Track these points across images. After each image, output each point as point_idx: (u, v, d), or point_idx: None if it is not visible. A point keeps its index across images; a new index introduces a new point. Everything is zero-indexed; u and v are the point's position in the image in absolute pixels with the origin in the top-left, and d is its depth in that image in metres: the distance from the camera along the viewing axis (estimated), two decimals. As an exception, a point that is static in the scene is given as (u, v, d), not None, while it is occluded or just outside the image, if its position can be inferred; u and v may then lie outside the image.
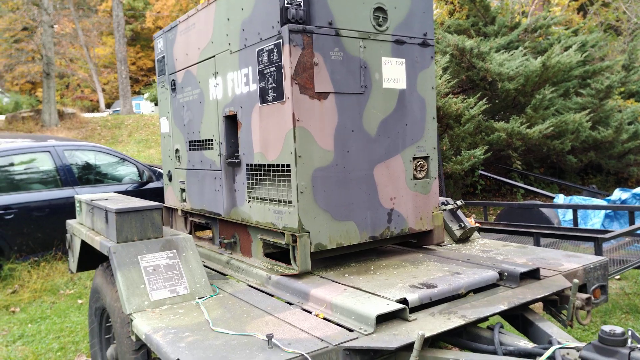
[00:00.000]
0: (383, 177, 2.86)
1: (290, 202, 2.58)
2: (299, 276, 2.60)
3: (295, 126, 2.51)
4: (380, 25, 2.81)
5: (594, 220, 7.23)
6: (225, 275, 3.06)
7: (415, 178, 3.01)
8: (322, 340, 1.92)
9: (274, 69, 2.61)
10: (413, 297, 2.21)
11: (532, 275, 2.59)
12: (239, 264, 3.05)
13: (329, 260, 2.91)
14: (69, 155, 6.36)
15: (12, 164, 5.99)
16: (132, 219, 2.69)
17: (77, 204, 3.48)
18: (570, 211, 7.07)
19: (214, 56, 3.20)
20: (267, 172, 2.78)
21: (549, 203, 6.87)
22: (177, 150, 3.89)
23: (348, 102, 2.71)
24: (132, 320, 2.32)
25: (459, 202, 3.60)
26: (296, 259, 2.63)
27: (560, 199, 7.55)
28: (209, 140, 3.37)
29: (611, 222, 7.44)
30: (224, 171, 3.21)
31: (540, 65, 8.56)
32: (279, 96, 2.58)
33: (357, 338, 1.94)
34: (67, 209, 6.05)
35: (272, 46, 2.60)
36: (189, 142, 3.65)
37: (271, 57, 2.62)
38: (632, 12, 13.96)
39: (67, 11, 29.98)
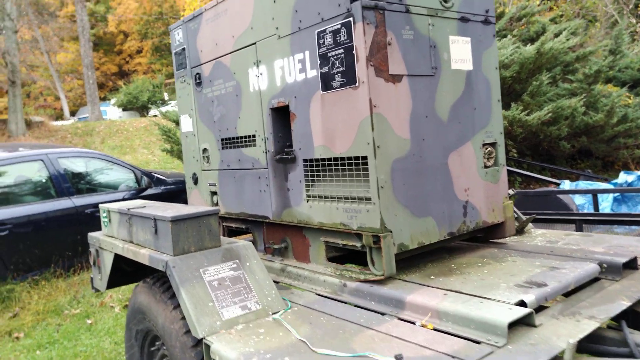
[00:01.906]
0: (457, 167, 2.62)
1: (369, 199, 2.31)
2: (381, 282, 2.34)
3: (372, 113, 2.25)
4: (446, 2, 2.57)
5: (604, 205, 7.22)
6: (280, 283, 2.77)
7: (485, 166, 2.79)
8: (454, 358, 1.67)
9: (341, 51, 2.33)
10: (530, 298, 1.98)
11: (630, 265, 2.40)
12: (298, 271, 2.76)
13: (398, 262, 2.66)
14: (63, 163, 5.89)
15: (1, 175, 5.49)
16: (189, 227, 2.37)
17: (103, 215, 3.11)
18: (577, 196, 7.05)
19: (254, 43, 2.89)
20: (333, 167, 2.50)
21: (566, 189, 6.80)
22: (204, 150, 3.56)
23: (420, 85, 2.46)
24: (208, 345, 2.01)
25: (510, 192, 3.40)
26: (374, 262, 2.37)
27: (566, 185, 7.51)
28: (249, 136, 3.07)
29: (620, 206, 7.47)
30: (271, 169, 2.91)
31: (535, 52, 8.51)
32: (350, 80, 2.31)
33: (492, 352, 1.70)
34: (65, 220, 5.60)
35: (339, 26, 2.32)
36: (222, 140, 3.33)
37: (337, 38, 2.34)
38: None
39: (27, 18, 28.66)
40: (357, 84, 2.28)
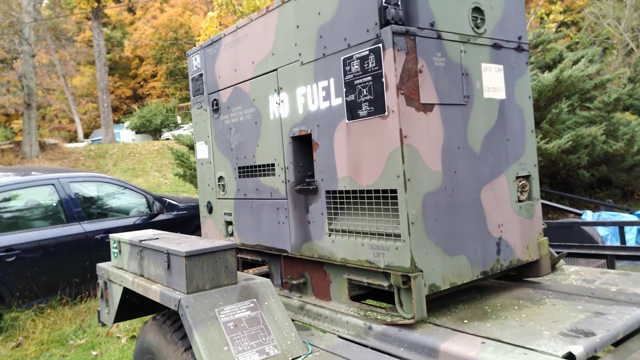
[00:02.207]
0: (490, 201, 2.46)
1: (398, 236, 2.15)
2: (411, 326, 2.15)
3: (402, 143, 2.10)
4: (478, 27, 2.45)
5: (628, 237, 6.96)
6: (298, 322, 2.59)
7: (519, 200, 2.62)
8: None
9: (369, 78, 2.21)
10: (578, 350, 1.79)
11: None
12: (318, 309, 2.58)
13: (427, 302, 2.47)
14: (74, 187, 5.80)
15: (11, 199, 5.40)
16: (204, 263, 2.21)
17: (113, 245, 2.97)
18: (599, 228, 6.80)
19: (275, 69, 2.79)
20: (359, 200, 2.35)
21: (590, 220, 6.56)
22: (220, 178, 3.43)
23: (452, 114, 2.32)
24: (224, 395, 1.83)
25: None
26: (402, 304, 2.19)
27: (588, 215, 7.27)
28: (268, 165, 2.93)
29: (645, 238, 7.20)
30: (291, 200, 2.76)
31: (554, 80, 8.39)
32: (379, 109, 2.17)
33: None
34: (74, 246, 5.48)
35: (367, 52, 2.20)
36: (239, 168, 3.20)
37: (365, 65, 2.22)
38: (624, 27, 14.17)
39: (44, 42, 29.31)
40: (386, 113, 2.14)
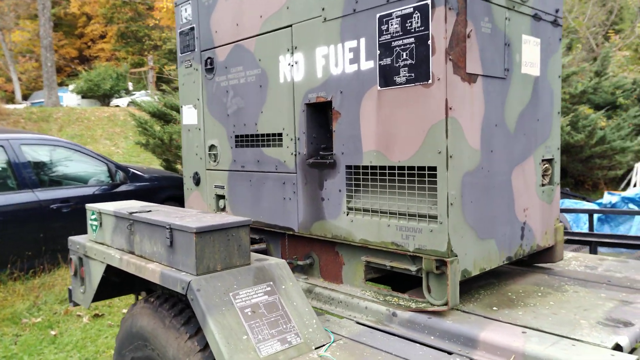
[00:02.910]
0: (520, 183, 2.32)
1: (434, 217, 1.96)
2: (440, 313, 1.99)
3: (447, 116, 1.90)
4: (520, -5, 2.26)
5: (582, 224, 7.20)
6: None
7: (542, 184, 2.50)
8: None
9: (411, 40, 1.97)
10: (625, 342, 1.69)
11: None
12: (329, 293, 2.37)
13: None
14: (26, 150, 5.24)
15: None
16: (215, 241, 1.93)
17: (92, 217, 2.62)
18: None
19: (289, 26, 2.49)
20: (387, 177, 2.13)
21: (563, 207, 6.69)
22: (211, 147, 3.11)
23: (493, 88, 2.13)
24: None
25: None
26: (430, 290, 2.02)
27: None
28: (274, 134, 2.65)
29: (602, 226, 7.48)
30: (301, 174, 2.51)
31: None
32: (421, 76, 1.95)
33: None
34: (26, 216, 4.96)
35: (411, 9, 1.96)
36: (237, 136, 2.90)
37: (407, 24, 1.98)
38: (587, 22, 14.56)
39: (-20, -10, 26.78)
40: (430, 81, 1.92)
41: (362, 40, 2.16)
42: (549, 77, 2.47)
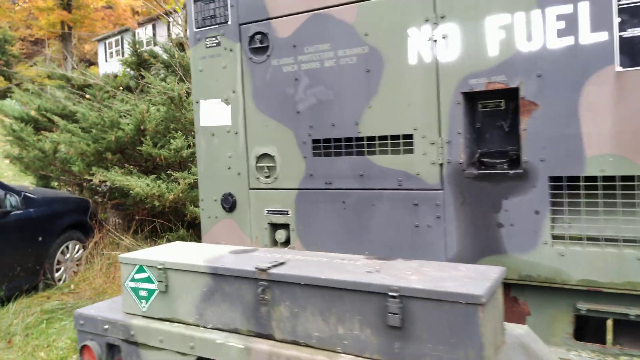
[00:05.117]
0: None
1: None
2: None
3: None
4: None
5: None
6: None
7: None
8: None
9: (679, 4, 1.45)
10: None
11: None
12: (518, 355, 1.71)
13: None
14: None
15: None
16: (489, 310, 1.16)
17: (140, 276, 1.57)
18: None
19: (431, -14, 1.78)
20: (635, 191, 1.56)
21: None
22: (262, 157, 2.20)
23: None
24: None
25: None
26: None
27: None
28: (396, 136, 1.90)
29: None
30: (453, 191, 1.81)
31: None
32: (699, 53, 1.43)
33: None
34: None
35: (681, -38, 1.44)
36: (318, 141, 2.06)
37: (670, -18, 1.45)
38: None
39: None
40: None
41: (584, 4, 1.57)
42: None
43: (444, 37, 1.79)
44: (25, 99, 7.31)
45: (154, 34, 21.44)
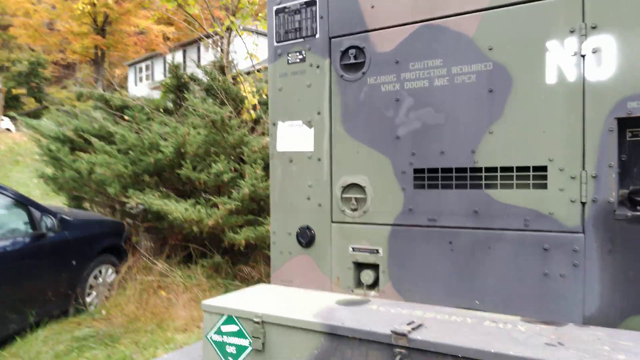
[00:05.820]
0: None
1: None
2: None
3: None
4: None
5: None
6: None
7: None
8: None
9: None
10: None
11: None
12: None
13: None
14: None
15: None
16: None
17: (228, 328, 1.28)
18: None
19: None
20: None
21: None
22: (348, 188, 1.92)
23: None
24: None
25: None
26: None
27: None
28: (524, 168, 1.61)
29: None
30: (597, 235, 1.50)
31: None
32: None
33: None
34: None
35: None
36: (421, 170, 1.77)
37: None
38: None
39: None
40: None
41: None
42: None
43: (594, 52, 1.50)
44: (62, 119, 7.23)
45: (184, 59, 21.79)
